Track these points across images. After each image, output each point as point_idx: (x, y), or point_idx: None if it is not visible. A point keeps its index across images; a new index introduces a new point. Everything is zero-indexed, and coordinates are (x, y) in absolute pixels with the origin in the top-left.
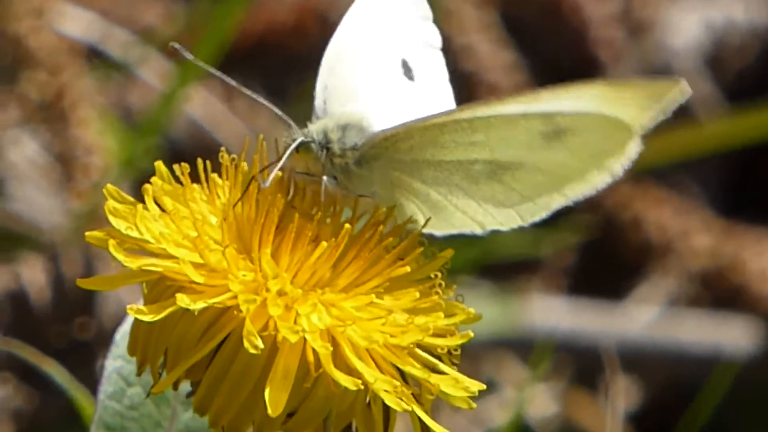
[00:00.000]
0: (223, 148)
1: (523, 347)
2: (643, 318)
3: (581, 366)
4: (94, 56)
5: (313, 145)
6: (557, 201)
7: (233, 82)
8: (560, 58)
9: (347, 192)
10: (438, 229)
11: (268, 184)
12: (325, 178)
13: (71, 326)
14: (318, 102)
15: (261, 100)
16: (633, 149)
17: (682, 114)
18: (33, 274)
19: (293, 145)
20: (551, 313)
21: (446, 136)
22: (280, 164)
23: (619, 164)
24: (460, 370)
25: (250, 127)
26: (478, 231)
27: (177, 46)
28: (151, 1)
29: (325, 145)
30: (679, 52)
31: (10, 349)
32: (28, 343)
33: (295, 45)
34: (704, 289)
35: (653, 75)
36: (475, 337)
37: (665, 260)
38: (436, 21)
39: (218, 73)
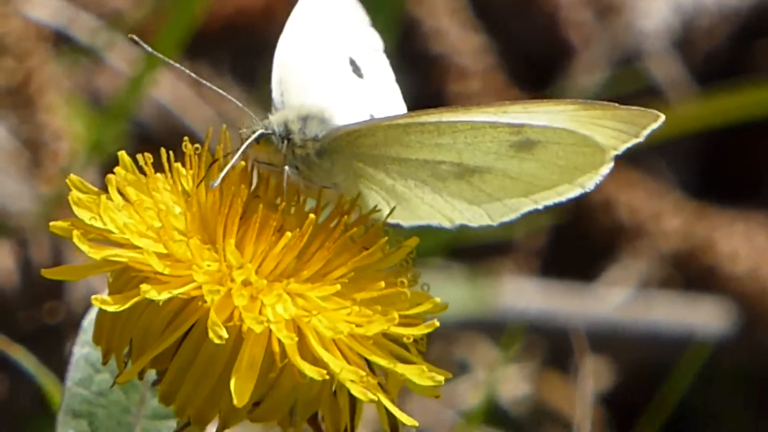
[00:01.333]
0: (186, 138)
1: (495, 329)
2: (614, 300)
3: (553, 347)
4: (62, 41)
5: (273, 136)
6: (526, 205)
7: (192, 74)
8: (530, 41)
9: (310, 183)
10: (405, 220)
11: (216, 183)
12: (287, 168)
13: (40, 311)
14: (275, 95)
15: (221, 91)
16: (605, 168)
17: (653, 96)
18: (1, 260)
19: (252, 137)
20: (522, 295)
21: (411, 136)
22: (236, 158)
23: (590, 181)
24: (431, 352)
25: (219, 110)
26: (446, 224)
27: (135, 38)
28: None
29: (286, 136)
30: (649, 34)
31: None
32: None
33: (264, 27)
34: (675, 271)
35: (623, 57)
36: (447, 319)
37: (636, 242)
38: (407, 5)
39: (176, 65)
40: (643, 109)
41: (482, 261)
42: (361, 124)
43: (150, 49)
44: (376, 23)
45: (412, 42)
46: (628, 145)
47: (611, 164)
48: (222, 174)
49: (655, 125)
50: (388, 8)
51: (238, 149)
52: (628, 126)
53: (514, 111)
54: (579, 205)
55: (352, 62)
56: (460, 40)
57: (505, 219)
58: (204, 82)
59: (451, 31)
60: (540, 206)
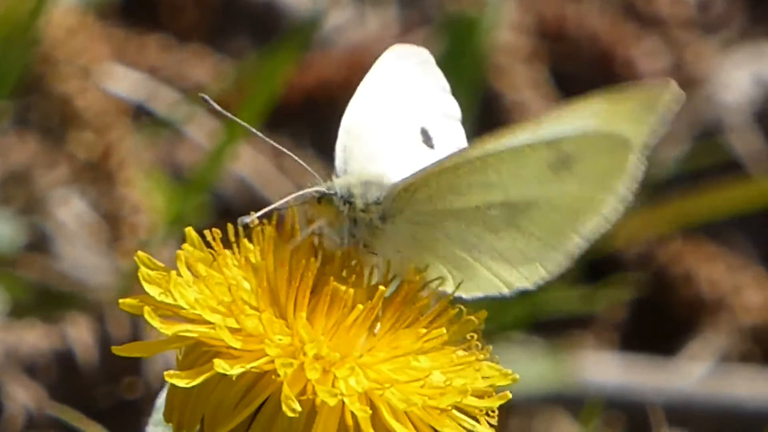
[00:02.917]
0: (252, 212)
1: (574, 403)
2: (694, 374)
3: (632, 422)
4: (142, 115)
5: (334, 197)
6: (574, 242)
7: (272, 142)
8: None
9: (373, 252)
10: (466, 292)
11: (247, 221)
12: (346, 239)
13: (118, 386)
14: (338, 162)
15: (300, 161)
16: (635, 165)
17: (733, 169)
18: (80, 334)
19: (308, 190)
20: (602, 369)
21: (461, 179)
22: (280, 203)
23: (625, 184)
24: (511, 426)
25: (299, 183)
26: (505, 291)
27: (218, 107)
28: (198, 58)
29: (348, 199)
30: (730, 107)
31: (54, 414)
32: (74, 403)
33: (344, 100)
34: (755, 345)
35: (704, 130)
36: (526, 393)
37: (717, 316)
38: (488, 78)
39: (259, 134)
40: (657, 87)
41: (562, 335)
42: (414, 176)
43: (230, 115)
44: (456, 96)
45: (493, 115)
46: (654, 133)
47: (642, 160)
48: (254, 215)
49: (673, 104)
50: (469, 81)
51: (282, 202)
52: (646, 111)
53: (548, 121)
54: (659, 278)
55: (424, 132)
56: (541, 112)
57: (559, 268)
58: (284, 150)
59: (533, 104)
60: (586, 239)
